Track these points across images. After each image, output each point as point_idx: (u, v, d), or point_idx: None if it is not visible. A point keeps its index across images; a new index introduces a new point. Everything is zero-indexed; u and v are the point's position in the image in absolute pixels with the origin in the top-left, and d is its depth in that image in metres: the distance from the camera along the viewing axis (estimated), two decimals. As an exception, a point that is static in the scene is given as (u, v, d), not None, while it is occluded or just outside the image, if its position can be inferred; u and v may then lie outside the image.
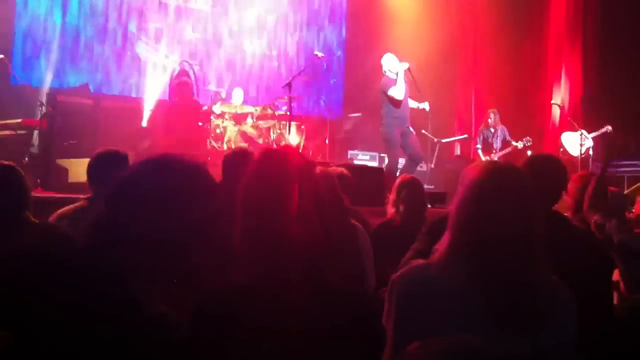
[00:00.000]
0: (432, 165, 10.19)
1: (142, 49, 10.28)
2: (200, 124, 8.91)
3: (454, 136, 11.17)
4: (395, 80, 7.94)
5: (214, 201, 1.57)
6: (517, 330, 1.65)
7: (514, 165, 1.86)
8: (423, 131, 8.84)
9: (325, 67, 10.44)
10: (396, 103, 7.97)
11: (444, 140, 10.45)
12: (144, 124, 9.08)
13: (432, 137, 9.96)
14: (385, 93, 7.99)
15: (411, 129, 8.24)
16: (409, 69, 8.09)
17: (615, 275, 3.16)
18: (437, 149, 10.35)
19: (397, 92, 7.92)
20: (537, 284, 1.70)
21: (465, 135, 10.81)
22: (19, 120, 7.37)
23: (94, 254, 1.43)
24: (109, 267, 1.41)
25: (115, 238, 1.44)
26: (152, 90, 10.16)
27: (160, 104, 9.47)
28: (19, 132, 7.31)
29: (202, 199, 1.54)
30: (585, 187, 3.68)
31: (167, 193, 1.49)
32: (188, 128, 8.62)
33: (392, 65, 8.07)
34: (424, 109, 8.54)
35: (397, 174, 7.71)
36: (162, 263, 1.48)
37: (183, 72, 9.66)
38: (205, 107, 9.17)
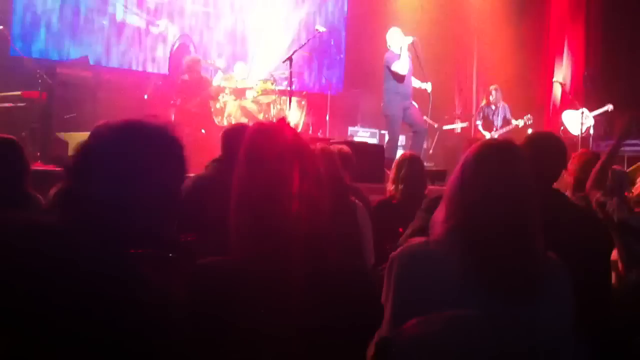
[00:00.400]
0: (431, 151, 10.11)
1: (135, 19, 10.19)
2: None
3: (455, 118, 11.08)
4: (399, 55, 7.87)
5: (182, 166, 1.53)
6: (512, 303, 1.68)
7: (511, 142, 1.88)
8: (425, 117, 8.78)
9: (333, 42, 10.33)
10: (399, 78, 7.91)
11: (445, 127, 10.36)
12: (146, 96, 9.03)
13: (432, 122, 9.88)
14: (388, 68, 7.93)
15: (414, 103, 8.19)
16: (413, 43, 8.00)
17: (614, 255, 3.17)
18: (436, 135, 10.28)
19: (401, 66, 7.85)
20: (531, 257, 1.72)
21: (466, 123, 10.68)
22: (19, 93, 7.34)
23: (63, 228, 1.41)
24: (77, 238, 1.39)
25: (80, 208, 1.41)
26: (153, 64, 10.10)
27: (168, 79, 9.40)
28: (19, 104, 7.28)
29: (169, 163, 1.50)
30: (586, 165, 3.70)
31: (131, 158, 1.44)
32: (197, 104, 8.58)
33: (397, 40, 7.99)
34: (425, 90, 8.46)
35: (398, 151, 7.71)
36: (131, 230, 1.46)
37: (183, 46, 9.60)
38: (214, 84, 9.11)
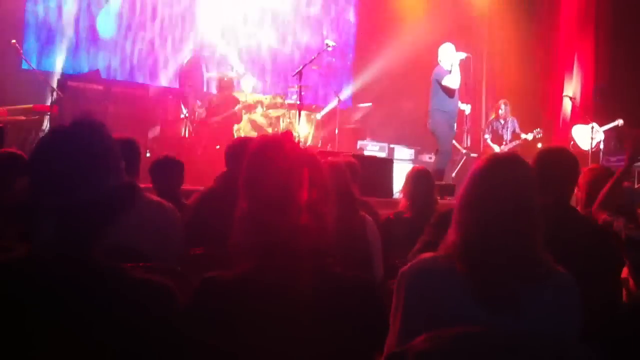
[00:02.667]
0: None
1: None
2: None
3: (463, 133, 11.04)
4: (450, 70, 7.90)
5: (116, 162, 1.51)
6: (519, 318, 1.67)
7: (517, 156, 1.88)
8: (454, 142, 8.82)
9: (333, 60, 10.39)
10: (450, 92, 7.93)
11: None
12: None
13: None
14: (438, 82, 7.94)
15: (455, 125, 8.22)
16: (467, 58, 8.04)
17: (625, 273, 3.15)
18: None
19: (453, 80, 7.88)
20: (538, 272, 1.71)
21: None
22: (30, 106, 7.41)
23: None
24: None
25: (36, 209, 1.42)
26: (165, 77, 10.16)
27: (179, 93, 9.45)
28: (30, 117, 7.34)
29: (103, 161, 1.48)
30: (596, 180, 3.68)
31: (79, 160, 1.45)
32: (219, 120, 8.62)
33: (449, 55, 8.03)
34: (463, 111, 8.46)
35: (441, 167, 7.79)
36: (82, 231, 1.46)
37: (194, 61, 9.66)
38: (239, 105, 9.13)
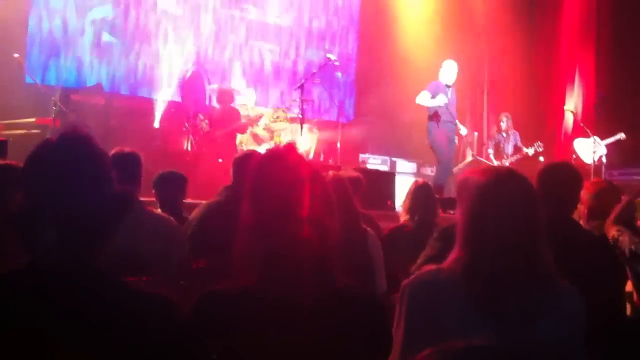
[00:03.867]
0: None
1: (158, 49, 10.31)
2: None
3: (465, 146, 11.10)
4: (437, 86, 8.06)
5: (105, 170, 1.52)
6: (523, 331, 1.67)
7: (515, 171, 1.89)
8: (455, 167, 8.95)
9: (340, 76, 10.44)
10: (423, 107, 8.12)
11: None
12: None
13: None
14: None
15: (456, 140, 8.29)
16: (453, 85, 8.24)
17: (629, 286, 3.14)
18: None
19: (422, 98, 8.09)
20: (542, 285, 1.72)
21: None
22: (33, 120, 7.42)
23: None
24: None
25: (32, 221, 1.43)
26: (167, 92, 10.20)
27: (181, 106, 9.49)
28: (33, 131, 7.36)
29: (92, 170, 1.49)
30: (599, 194, 3.67)
31: (69, 172, 1.45)
32: (223, 134, 8.65)
33: (444, 74, 8.24)
34: (459, 132, 8.58)
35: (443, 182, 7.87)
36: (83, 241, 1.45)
37: (196, 75, 9.70)
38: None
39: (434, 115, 8.14)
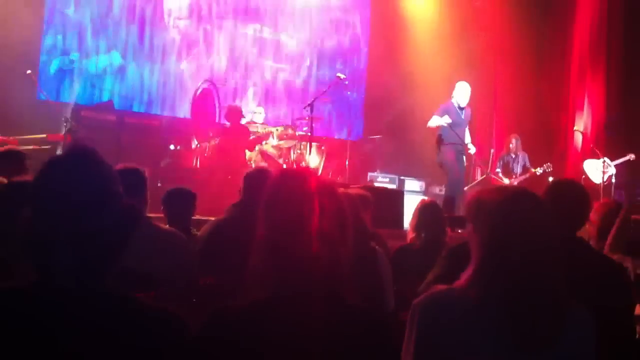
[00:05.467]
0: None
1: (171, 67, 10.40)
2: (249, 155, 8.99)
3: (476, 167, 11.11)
4: (448, 107, 8.15)
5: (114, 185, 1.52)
6: (536, 354, 1.65)
7: (528, 190, 1.87)
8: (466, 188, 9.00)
9: (349, 94, 10.48)
10: (455, 125, 8.17)
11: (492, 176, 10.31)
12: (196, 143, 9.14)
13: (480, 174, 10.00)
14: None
15: (464, 158, 8.31)
16: (466, 107, 8.32)
17: (638, 310, 3.12)
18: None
19: (433, 121, 8.15)
20: (555, 306, 1.70)
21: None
22: (44, 135, 7.48)
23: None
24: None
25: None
26: (179, 109, 10.26)
27: (217, 126, 9.55)
28: (44, 146, 7.41)
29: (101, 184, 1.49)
30: (608, 215, 3.67)
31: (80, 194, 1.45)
32: (236, 152, 8.69)
33: (456, 95, 8.33)
34: (468, 150, 8.61)
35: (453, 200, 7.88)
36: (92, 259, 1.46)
37: (207, 92, 9.76)
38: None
39: (438, 138, 8.25)
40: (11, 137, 7.19)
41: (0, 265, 1.99)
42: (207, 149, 8.93)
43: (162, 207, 4.10)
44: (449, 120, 8.12)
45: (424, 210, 4.22)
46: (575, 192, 2.78)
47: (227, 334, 1.58)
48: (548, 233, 1.74)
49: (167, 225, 3.86)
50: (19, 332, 1.36)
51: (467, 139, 8.55)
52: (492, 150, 10.41)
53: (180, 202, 4.13)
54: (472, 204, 1.83)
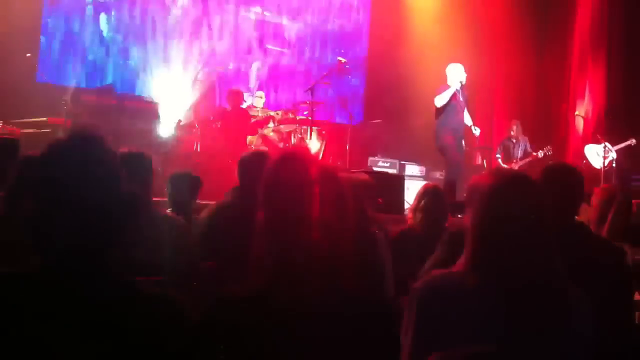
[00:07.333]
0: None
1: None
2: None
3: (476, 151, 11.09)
4: (446, 89, 7.97)
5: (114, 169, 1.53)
6: (533, 337, 1.66)
7: (523, 173, 1.88)
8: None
9: (350, 78, 10.43)
10: (438, 110, 8.01)
11: None
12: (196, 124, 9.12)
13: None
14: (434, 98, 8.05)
15: (463, 143, 8.22)
16: (460, 86, 8.10)
17: (637, 295, 3.13)
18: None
19: (439, 100, 7.94)
20: (553, 289, 1.71)
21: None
22: (45, 119, 7.46)
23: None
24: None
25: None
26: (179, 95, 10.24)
27: (217, 110, 9.52)
28: (44, 130, 7.40)
29: (100, 168, 1.49)
30: (609, 199, 3.68)
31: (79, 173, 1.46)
32: (237, 136, 8.67)
33: (453, 74, 8.11)
34: (473, 132, 8.53)
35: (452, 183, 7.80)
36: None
37: (208, 76, 9.73)
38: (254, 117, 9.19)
39: (439, 110, 8.07)
40: (13, 127, 7.18)
41: (4, 249, 1.99)
42: (209, 132, 8.91)
43: (165, 190, 4.09)
44: (458, 85, 7.98)
45: (426, 195, 4.21)
46: (568, 175, 2.77)
47: (227, 319, 1.58)
48: (541, 216, 1.74)
49: (169, 209, 3.86)
50: (23, 315, 1.37)
51: (468, 120, 8.44)
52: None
53: (185, 186, 4.12)
54: (469, 189, 1.85)
